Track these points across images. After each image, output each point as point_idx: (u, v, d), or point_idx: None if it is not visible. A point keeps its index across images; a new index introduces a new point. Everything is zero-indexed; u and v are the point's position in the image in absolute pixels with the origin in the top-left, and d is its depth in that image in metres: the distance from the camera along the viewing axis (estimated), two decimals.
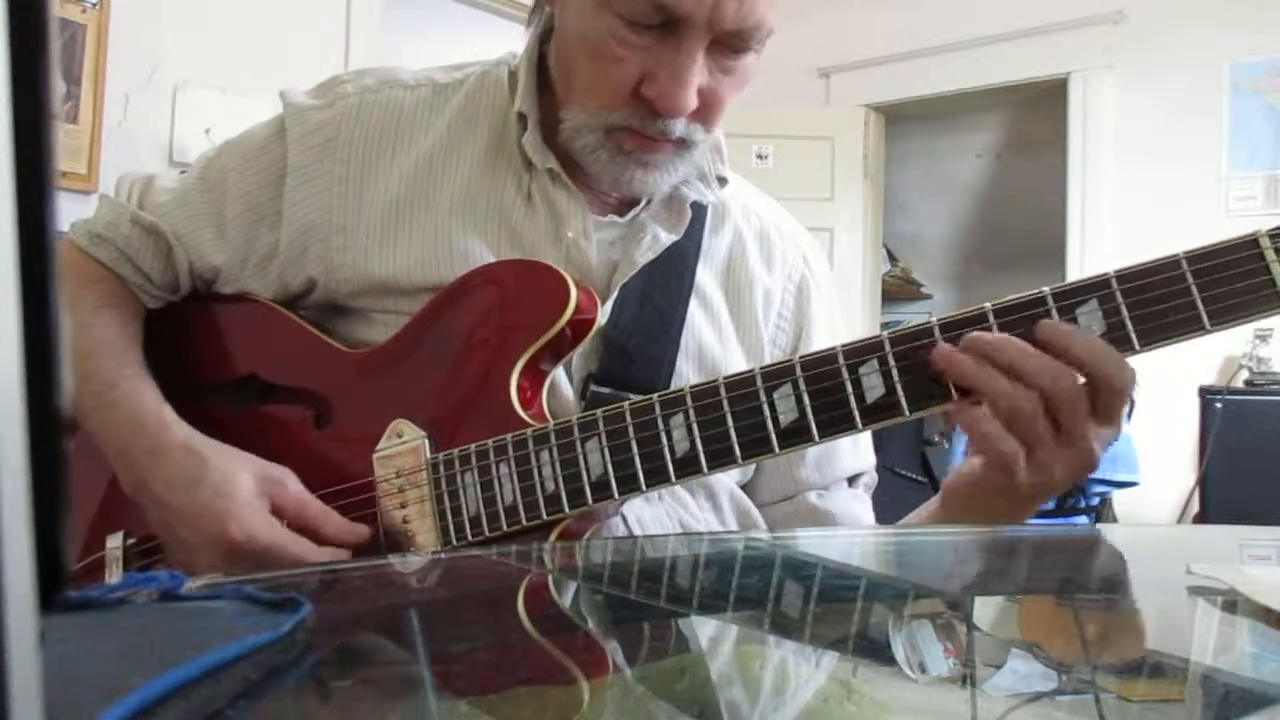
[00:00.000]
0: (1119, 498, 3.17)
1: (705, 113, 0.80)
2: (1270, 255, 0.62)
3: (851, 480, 0.97)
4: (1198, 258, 0.63)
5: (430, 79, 0.91)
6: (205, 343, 0.93)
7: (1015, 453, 0.66)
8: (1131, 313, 0.64)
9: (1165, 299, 0.63)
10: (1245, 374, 3.23)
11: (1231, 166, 3.44)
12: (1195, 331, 0.63)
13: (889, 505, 0.98)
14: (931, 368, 0.67)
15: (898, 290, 4.98)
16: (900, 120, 4.58)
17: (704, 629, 0.49)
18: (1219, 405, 3.05)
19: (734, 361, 0.90)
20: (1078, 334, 0.65)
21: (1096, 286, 0.65)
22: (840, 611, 0.54)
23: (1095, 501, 3.07)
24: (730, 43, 0.77)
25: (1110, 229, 3.69)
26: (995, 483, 0.71)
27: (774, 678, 0.40)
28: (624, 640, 0.47)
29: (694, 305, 0.89)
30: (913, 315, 5.06)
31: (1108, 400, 0.66)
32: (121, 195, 0.95)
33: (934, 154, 5.13)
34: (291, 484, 0.78)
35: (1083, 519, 3.04)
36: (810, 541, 0.85)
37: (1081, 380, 0.65)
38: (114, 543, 0.85)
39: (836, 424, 0.69)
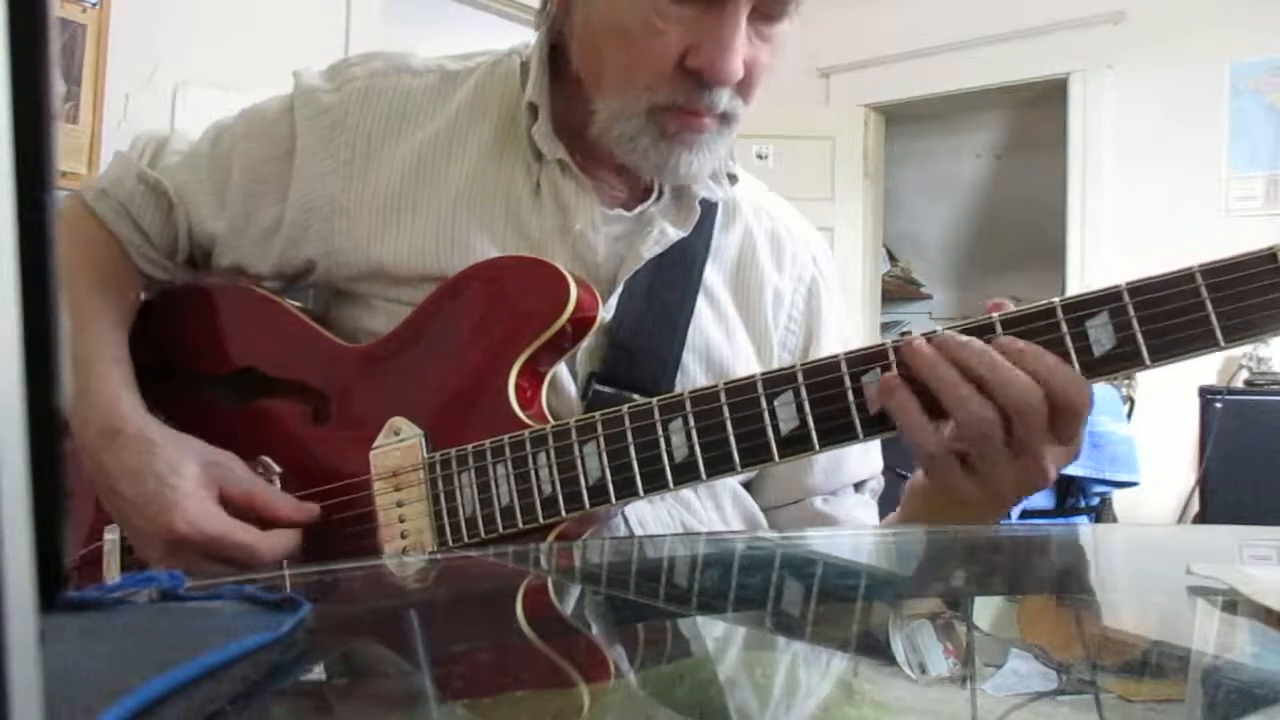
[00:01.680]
0: (1119, 498, 3.17)
1: (746, 84, 0.79)
2: None
3: (859, 486, 0.96)
4: (1212, 271, 0.60)
5: (440, 66, 0.91)
6: (205, 336, 0.93)
7: (958, 480, 0.66)
8: (1143, 327, 0.62)
9: (1178, 313, 0.61)
10: (1245, 374, 3.23)
11: (1231, 166, 3.44)
12: (1208, 347, 0.60)
13: (893, 505, 0.98)
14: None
15: (898, 290, 4.98)
16: (900, 120, 4.58)
17: (704, 630, 0.49)
18: (1219, 405, 3.05)
19: (742, 361, 0.89)
20: (1032, 349, 0.63)
21: (1108, 299, 0.63)
22: (840, 612, 0.54)
23: (1095, 502, 3.07)
24: (769, 10, 0.77)
25: (1110, 229, 3.69)
26: (942, 498, 0.71)
27: (774, 679, 0.40)
28: (624, 643, 0.47)
29: (701, 303, 0.88)
30: (913, 315, 5.06)
31: (1065, 418, 0.64)
32: (134, 153, 0.95)
33: (934, 154, 5.13)
34: (237, 468, 0.79)
35: (1083, 519, 3.04)
36: (809, 542, 0.85)
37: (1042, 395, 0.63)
38: (111, 535, 0.85)
39: (838, 433, 0.67)
